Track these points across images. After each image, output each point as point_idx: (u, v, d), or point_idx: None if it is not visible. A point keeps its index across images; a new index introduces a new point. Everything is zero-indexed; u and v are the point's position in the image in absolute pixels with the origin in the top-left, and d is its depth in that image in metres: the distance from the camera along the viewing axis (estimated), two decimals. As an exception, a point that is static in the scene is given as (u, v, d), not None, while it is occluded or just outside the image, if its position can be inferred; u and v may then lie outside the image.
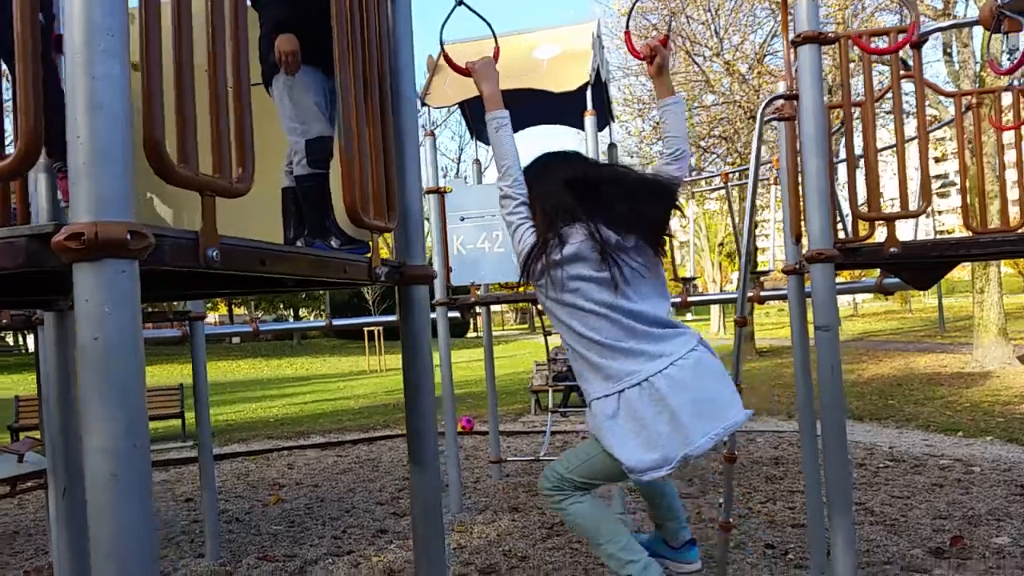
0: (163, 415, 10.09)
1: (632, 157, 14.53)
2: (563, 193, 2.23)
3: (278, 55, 2.68)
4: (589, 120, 5.39)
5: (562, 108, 6.21)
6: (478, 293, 5.88)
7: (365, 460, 8.20)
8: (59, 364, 2.44)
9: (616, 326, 2.15)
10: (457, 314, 6.12)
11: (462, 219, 5.63)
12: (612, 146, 6.54)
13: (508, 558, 4.54)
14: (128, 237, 1.14)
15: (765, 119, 3.49)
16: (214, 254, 1.40)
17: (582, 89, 5.38)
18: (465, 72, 2.41)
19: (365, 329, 26.03)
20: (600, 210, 2.19)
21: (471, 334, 47.96)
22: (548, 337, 7.74)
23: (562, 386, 10.16)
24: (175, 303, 5.27)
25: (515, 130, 8.52)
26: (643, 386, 2.07)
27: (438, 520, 2.30)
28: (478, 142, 7.00)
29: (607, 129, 6.57)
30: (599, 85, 5.97)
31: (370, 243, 2.06)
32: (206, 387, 4.96)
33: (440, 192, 5.63)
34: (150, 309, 4.91)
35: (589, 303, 2.15)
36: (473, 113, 6.63)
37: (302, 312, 49.49)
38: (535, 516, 5.41)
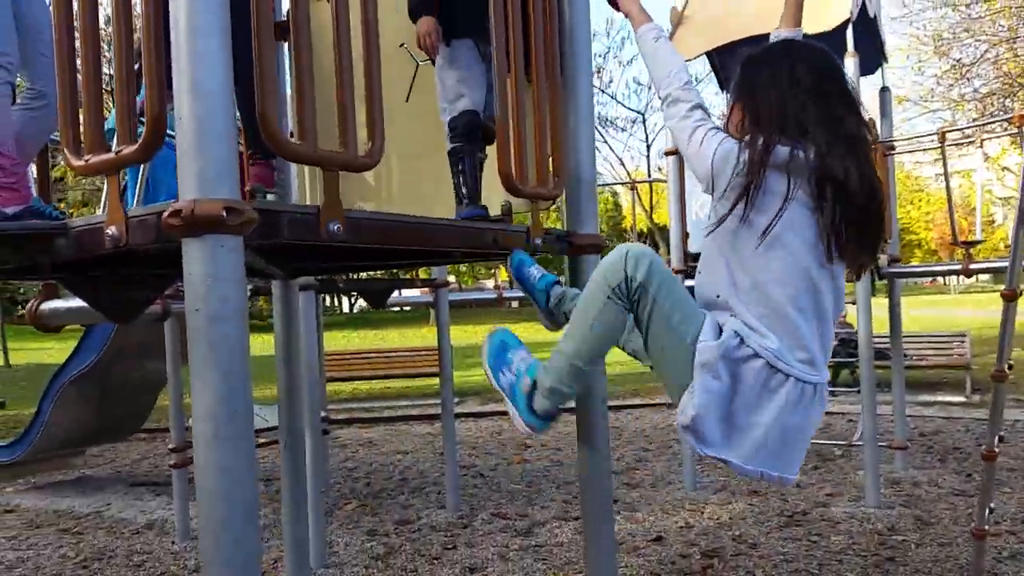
0: (429, 373, 10.94)
1: (923, 101, 12.71)
2: (805, 98, 1.66)
3: (417, 40, 2.63)
4: (851, 62, 4.77)
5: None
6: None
7: (610, 428, 8.19)
8: (284, 329, 2.68)
9: (816, 301, 1.73)
10: (690, 282, 5.82)
11: (701, 182, 5.31)
12: (885, 90, 5.73)
13: (737, 543, 4.25)
14: (224, 214, 1.17)
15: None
16: (335, 228, 1.40)
17: (842, 28, 4.78)
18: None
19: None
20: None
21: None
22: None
23: (831, 363, 9.32)
24: (421, 270, 5.62)
25: None
26: (810, 389, 1.67)
27: (607, 503, 2.18)
28: (727, 94, 6.54)
29: (879, 71, 5.78)
30: (866, 21, 5.25)
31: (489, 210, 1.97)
32: (449, 349, 5.26)
33: (679, 154, 5.35)
34: (401, 275, 5.28)
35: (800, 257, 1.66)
36: (722, 62, 6.19)
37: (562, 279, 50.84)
38: (775, 502, 5.01)
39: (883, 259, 5.24)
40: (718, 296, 1.71)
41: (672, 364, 1.67)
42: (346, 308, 49.01)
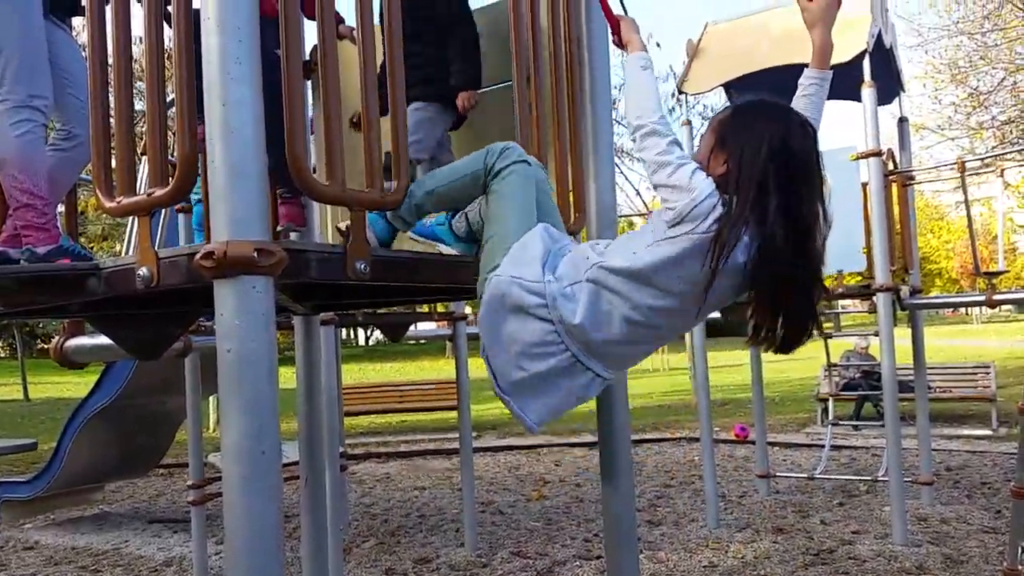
0: (446, 407, 10.90)
1: (941, 129, 12.65)
2: (770, 168, 1.57)
3: (463, 102, 2.78)
4: (867, 93, 4.78)
5: (839, 81, 5.55)
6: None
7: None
8: (305, 364, 2.67)
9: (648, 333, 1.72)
10: (716, 315, 5.78)
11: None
12: (903, 120, 5.72)
13: (763, 583, 4.17)
14: (256, 255, 1.18)
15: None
16: (362, 267, 1.41)
17: (859, 59, 4.79)
18: (615, 22, 1.97)
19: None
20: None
21: (763, 334, 45.53)
22: (828, 340, 7.01)
23: (854, 395, 9.21)
24: (440, 304, 5.62)
25: None
26: (598, 381, 1.71)
27: (631, 538, 2.14)
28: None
29: (896, 100, 5.78)
30: (882, 52, 5.26)
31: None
32: (467, 383, 5.23)
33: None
34: (418, 309, 5.29)
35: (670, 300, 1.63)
36: (740, 95, 6.21)
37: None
38: (800, 540, 4.91)
39: (904, 290, 5.19)
40: (589, 265, 1.64)
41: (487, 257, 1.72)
42: (362, 340, 49.16)
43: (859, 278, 5.42)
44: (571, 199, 2.05)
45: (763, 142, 1.59)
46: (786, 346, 1.67)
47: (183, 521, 6.23)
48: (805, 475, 6.29)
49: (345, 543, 5.29)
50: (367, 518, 6.19)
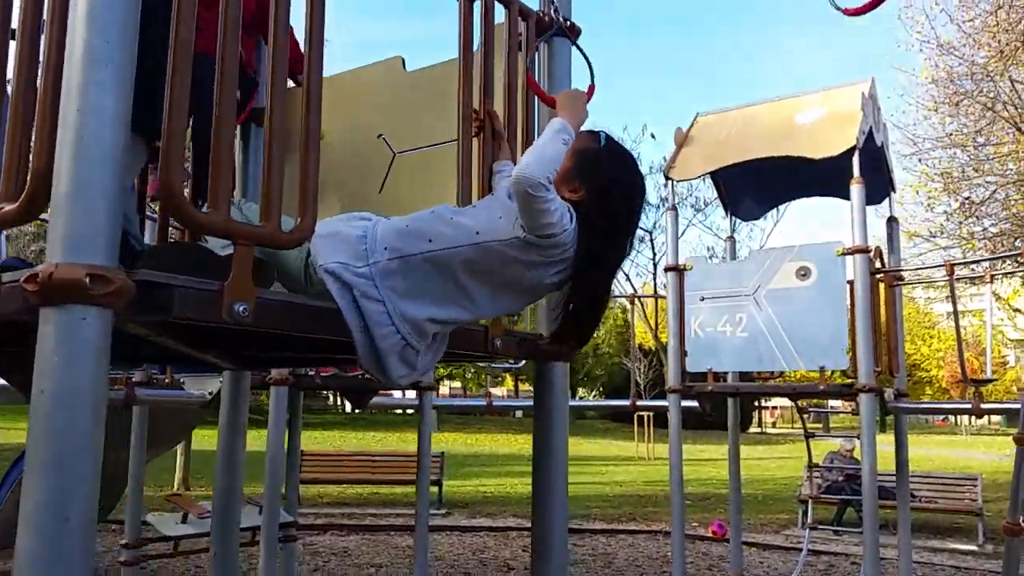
0: (412, 480, 10.52)
1: (933, 237, 12.65)
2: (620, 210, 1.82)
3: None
4: (855, 189, 4.69)
5: (828, 178, 5.51)
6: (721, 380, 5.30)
7: (600, 553, 7.73)
8: (228, 425, 2.46)
9: None
10: (694, 403, 5.58)
11: (702, 299, 5.15)
12: (892, 220, 5.63)
13: None
14: (87, 280, 1.00)
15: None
16: (242, 309, 1.23)
17: (847, 155, 4.72)
18: (550, 101, 1.98)
19: (636, 414, 25.58)
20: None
21: (754, 428, 45.03)
22: (811, 439, 6.77)
23: (836, 499, 8.87)
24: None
25: (775, 204, 7.73)
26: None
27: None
28: (734, 217, 6.47)
29: (887, 201, 5.70)
30: (873, 150, 5.22)
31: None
32: (428, 457, 4.98)
33: (679, 270, 5.22)
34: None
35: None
36: (728, 186, 6.15)
37: (580, 392, 50.23)
38: (770, 652, 4.57)
39: (889, 392, 4.99)
40: (430, 241, 1.63)
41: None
42: (348, 408, 48.36)
43: (843, 377, 5.24)
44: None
45: (621, 186, 1.82)
46: (584, 342, 1.90)
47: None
48: (780, 581, 5.94)
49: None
50: (317, 595, 5.82)
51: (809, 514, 7.19)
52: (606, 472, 17.92)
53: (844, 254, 4.70)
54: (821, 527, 8.05)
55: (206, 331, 1.52)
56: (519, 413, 52.19)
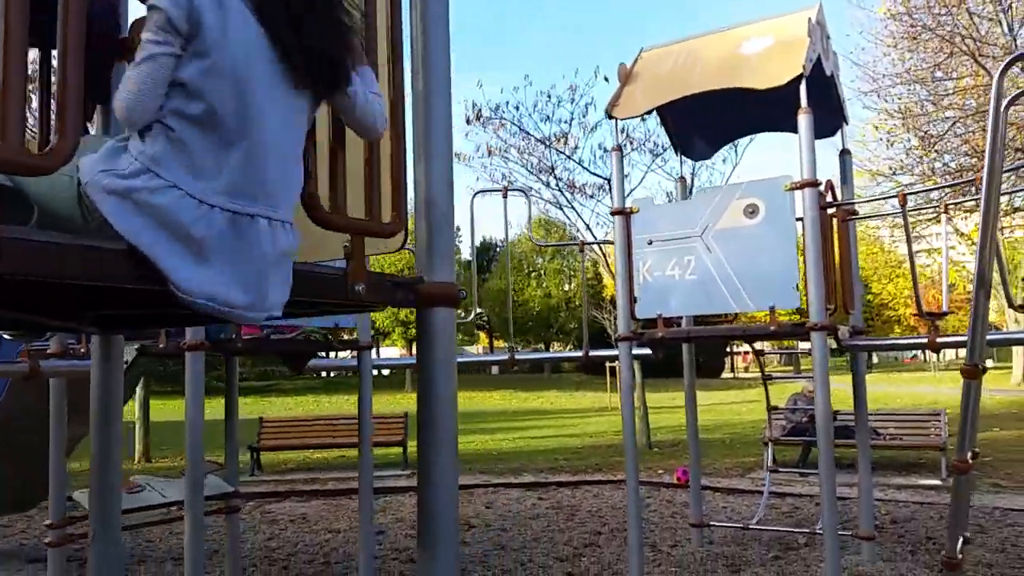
0: (386, 442, 10.37)
1: (895, 175, 12.58)
2: None
3: None
4: (803, 119, 4.50)
5: (779, 112, 5.30)
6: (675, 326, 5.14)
7: (565, 505, 7.65)
8: (100, 393, 2.22)
9: None
10: (647, 351, 5.43)
11: (650, 243, 4.95)
12: (845, 152, 5.46)
13: (676, 652, 3.73)
14: None
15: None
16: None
17: (795, 84, 4.51)
18: None
19: (607, 364, 25.67)
20: None
21: (727, 374, 45.50)
22: (769, 382, 6.67)
23: (798, 441, 8.87)
24: (341, 333, 5.15)
25: (726, 142, 7.49)
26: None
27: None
28: (685, 157, 6.26)
29: (839, 134, 5.52)
30: (822, 80, 5.01)
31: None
32: (369, 416, 4.78)
33: (625, 213, 5.01)
34: (331, 338, 4.81)
35: None
36: (677, 123, 5.93)
37: (556, 346, 50.34)
38: (727, 599, 4.50)
39: (844, 330, 4.87)
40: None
41: None
42: (324, 373, 48.11)
43: (797, 316, 5.10)
44: (391, 201, 1.65)
45: None
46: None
47: (72, 560, 5.65)
48: (740, 525, 5.88)
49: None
50: (266, 564, 5.66)
51: (770, 457, 7.13)
52: (577, 424, 17.96)
53: (792, 189, 4.52)
54: (785, 469, 8.03)
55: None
56: (495, 369, 52.56)
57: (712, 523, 6.02)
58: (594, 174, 11.98)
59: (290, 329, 4.40)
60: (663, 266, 4.90)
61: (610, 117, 5.13)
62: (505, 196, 5.67)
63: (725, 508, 7.44)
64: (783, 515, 6.86)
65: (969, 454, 2.36)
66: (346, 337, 5.05)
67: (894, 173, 12.58)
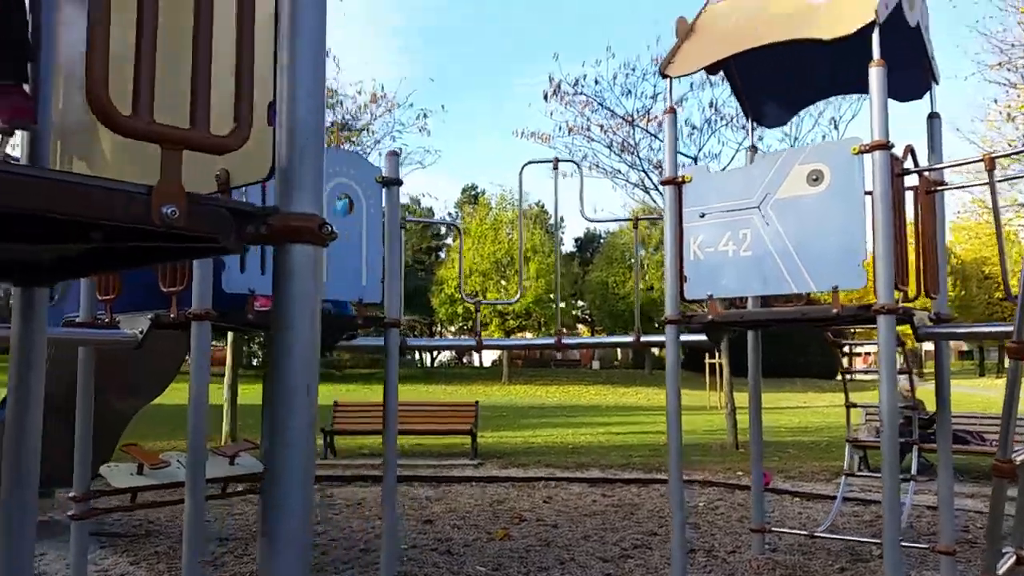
0: (456, 431, 10.22)
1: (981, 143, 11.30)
2: None
3: None
4: (875, 72, 3.92)
5: (860, 71, 4.70)
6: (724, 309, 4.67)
7: (626, 504, 7.24)
8: (19, 356, 2.04)
9: None
10: (701, 337, 4.96)
11: (702, 215, 4.50)
12: (934, 117, 4.79)
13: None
14: None
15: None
16: None
17: (865, 31, 3.96)
18: None
19: (707, 361, 24.77)
20: None
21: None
22: (848, 377, 6.05)
23: (873, 443, 8.05)
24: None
25: (802, 106, 6.75)
26: None
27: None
28: (757, 124, 5.71)
29: (928, 95, 4.86)
30: (904, 32, 4.41)
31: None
32: (395, 399, 4.56)
33: (676, 182, 4.58)
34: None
35: None
36: (745, 85, 5.39)
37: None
38: (776, 613, 4.02)
39: (922, 316, 4.26)
40: None
41: None
42: (428, 362, 48.94)
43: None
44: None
45: None
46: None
47: (124, 536, 5.77)
48: (804, 532, 5.32)
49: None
50: (306, 547, 5.55)
51: (847, 460, 6.46)
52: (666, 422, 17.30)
53: (862, 152, 3.97)
54: (862, 475, 7.35)
55: None
56: (596, 364, 51.97)
57: (773, 529, 5.48)
58: (682, 154, 11.30)
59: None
60: (716, 241, 4.44)
61: (664, 76, 4.69)
62: (556, 167, 5.32)
63: (800, 514, 6.84)
64: (863, 524, 6.22)
65: (1019, 453, 1.88)
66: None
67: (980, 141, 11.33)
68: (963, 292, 36.86)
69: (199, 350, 3.62)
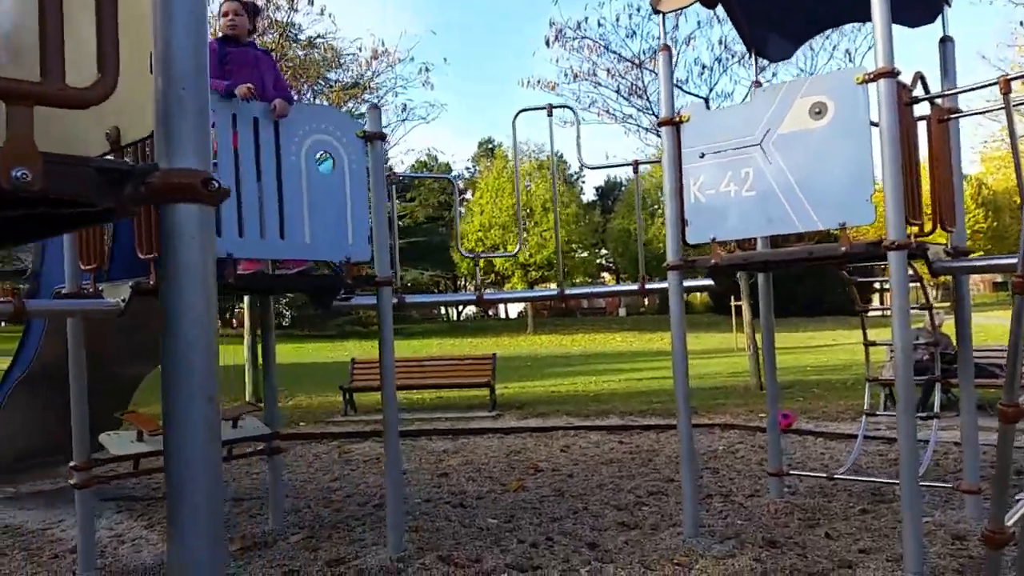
0: (474, 383, 10.21)
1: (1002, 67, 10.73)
2: None
3: None
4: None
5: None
6: (729, 252, 4.51)
7: (645, 450, 7.19)
8: None
9: None
10: (708, 282, 4.81)
11: (701, 155, 4.31)
12: (946, 40, 4.51)
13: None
14: None
15: None
16: None
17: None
18: None
19: (733, 303, 24.55)
20: None
21: (875, 312, 42.63)
22: (866, 315, 5.87)
23: (918, 380, 7.87)
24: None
25: (808, 36, 6.42)
26: None
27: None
28: (760, 57, 5.44)
29: (939, 18, 4.57)
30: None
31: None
32: (391, 357, 4.50)
33: (674, 122, 4.38)
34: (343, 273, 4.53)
35: None
36: (747, 14, 5.12)
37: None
38: (790, 558, 3.94)
39: (936, 250, 4.06)
40: None
41: None
42: (453, 315, 49.29)
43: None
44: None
45: None
46: None
47: (142, 499, 5.85)
48: (824, 475, 5.22)
49: (271, 535, 4.72)
50: (320, 505, 5.59)
51: (867, 400, 6.30)
52: (693, 366, 17.18)
53: (866, 81, 3.75)
54: (882, 413, 7.22)
55: None
56: (623, 311, 51.81)
57: (792, 472, 5.39)
58: (692, 94, 10.91)
59: (295, 264, 4.15)
60: (717, 182, 4.26)
61: (656, 11, 4.46)
62: (550, 114, 5.14)
63: (823, 454, 6.74)
64: (888, 463, 6.10)
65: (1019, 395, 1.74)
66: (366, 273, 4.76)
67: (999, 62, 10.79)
68: (995, 223, 35.92)
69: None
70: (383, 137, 4.22)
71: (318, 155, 3.76)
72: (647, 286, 5.14)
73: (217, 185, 1.28)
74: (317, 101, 13.11)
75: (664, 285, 4.76)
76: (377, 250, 4.26)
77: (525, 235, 36.54)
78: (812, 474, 5.43)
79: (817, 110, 3.92)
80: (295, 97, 11.13)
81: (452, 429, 8.66)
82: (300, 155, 3.65)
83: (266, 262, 4.14)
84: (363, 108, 13.19)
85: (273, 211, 3.57)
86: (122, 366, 5.98)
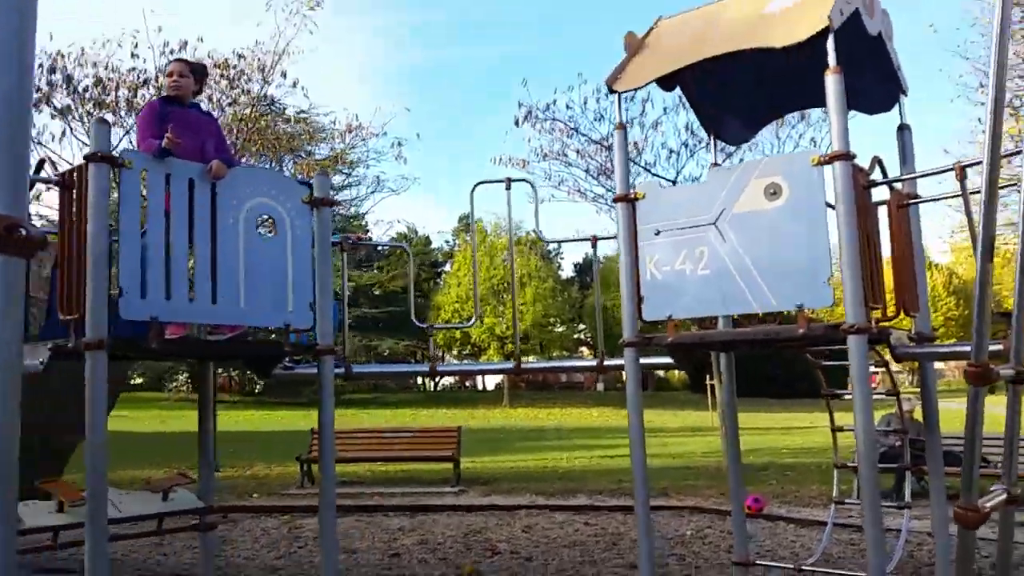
0: (437, 456, 9.91)
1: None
2: None
3: None
4: (831, 80, 3.68)
5: (821, 82, 4.44)
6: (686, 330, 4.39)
7: (610, 533, 6.91)
8: None
9: None
10: (667, 360, 4.67)
11: (657, 232, 4.23)
12: (904, 128, 4.52)
13: None
14: None
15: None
16: None
17: (819, 39, 3.71)
18: None
19: (708, 382, 24.44)
20: None
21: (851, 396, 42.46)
22: (831, 400, 5.74)
23: (890, 468, 7.72)
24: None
25: (765, 122, 6.47)
26: None
27: None
28: (719, 141, 5.44)
29: (896, 107, 4.59)
30: (866, 41, 4.17)
31: None
32: (331, 429, 4.29)
33: (629, 199, 4.32)
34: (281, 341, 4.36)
35: None
36: (702, 100, 5.14)
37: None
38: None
39: (899, 335, 3.97)
40: None
41: None
42: (430, 386, 48.64)
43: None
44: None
45: None
46: None
47: (73, 572, 5.49)
48: (791, 566, 4.98)
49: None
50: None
51: (835, 487, 6.12)
52: (667, 444, 16.97)
53: (821, 163, 3.71)
54: (851, 502, 6.96)
55: None
56: (600, 386, 51.49)
57: (758, 562, 5.15)
58: (660, 177, 10.95)
59: (230, 329, 3.98)
60: (672, 260, 4.16)
61: (612, 91, 4.45)
62: (508, 188, 5.08)
63: (794, 542, 6.51)
64: (859, 553, 5.88)
65: (990, 496, 1.60)
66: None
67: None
68: (967, 311, 36.44)
69: (95, 385, 3.34)
70: (331, 203, 4.12)
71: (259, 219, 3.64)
72: (605, 363, 5.00)
73: (25, 232, 1.13)
74: (296, 172, 13.14)
75: (622, 362, 4.61)
76: (320, 317, 4.10)
77: (501, 308, 36.48)
78: (779, 564, 5.21)
79: (772, 191, 3.87)
80: (258, 164, 11.11)
81: (412, 505, 8.34)
82: (239, 218, 3.53)
83: (194, 326, 3.97)
84: (336, 179, 13.24)
85: (205, 274, 3.42)
86: (57, 435, 5.73)
